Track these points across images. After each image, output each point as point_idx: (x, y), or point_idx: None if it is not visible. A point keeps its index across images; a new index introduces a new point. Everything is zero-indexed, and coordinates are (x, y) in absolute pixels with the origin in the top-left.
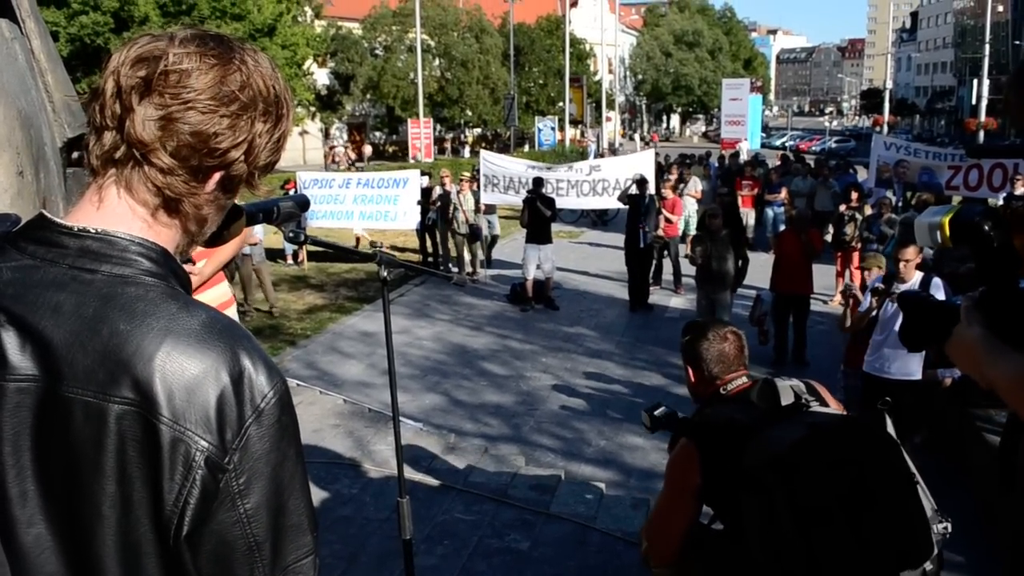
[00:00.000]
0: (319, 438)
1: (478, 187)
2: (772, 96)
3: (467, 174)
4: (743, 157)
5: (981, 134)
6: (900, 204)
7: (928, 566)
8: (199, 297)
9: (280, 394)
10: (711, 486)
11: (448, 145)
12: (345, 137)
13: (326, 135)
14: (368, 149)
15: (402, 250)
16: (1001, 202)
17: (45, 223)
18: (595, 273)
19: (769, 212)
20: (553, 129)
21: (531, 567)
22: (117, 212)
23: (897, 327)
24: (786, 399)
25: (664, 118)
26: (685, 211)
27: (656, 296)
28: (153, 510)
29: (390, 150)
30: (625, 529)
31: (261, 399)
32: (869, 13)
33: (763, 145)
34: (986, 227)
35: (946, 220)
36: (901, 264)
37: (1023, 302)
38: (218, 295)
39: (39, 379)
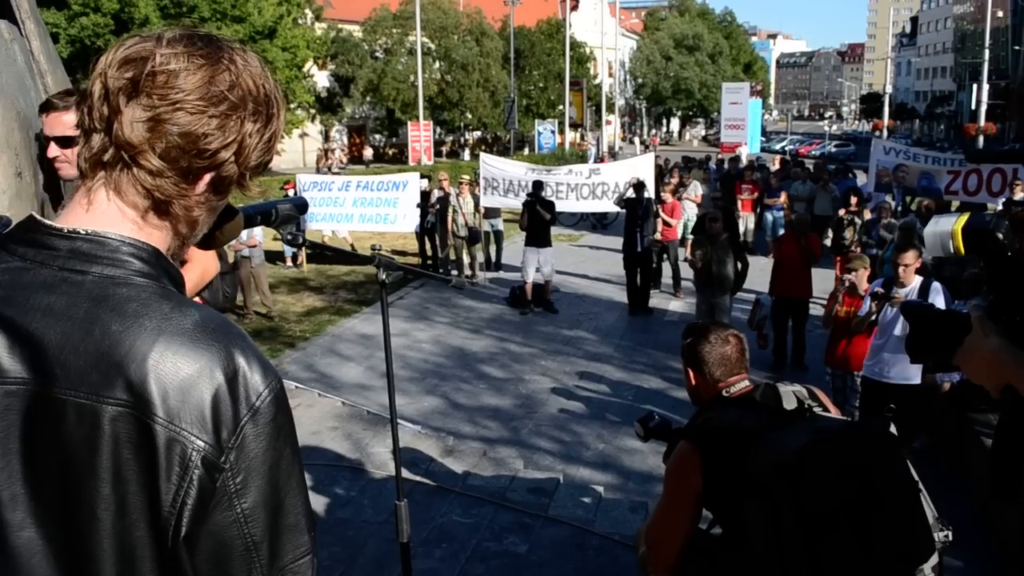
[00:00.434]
0: (318, 440)
1: (478, 190)
2: (772, 100)
3: (467, 177)
4: (743, 161)
5: (981, 139)
6: (899, 208)
7: (929, 574)
8: None
9: (275, 393)
10: (713, 491)
11: (447, 148)
12: (346, 140)
13: (326, 137)
14: (369, 151)
15: (402, 253)
16: (1000, 207)
17: (35, 225)
18: (594, 276)
19: (768, 216)
20: (553, 132)
21: (529, 570)
22: (107, 214)
23: (897, 331)
24: (789, 404)
25: (664, 122)
26: (684, 215)
27: (655, 300)
28: (149, 512)
29: (390, 153)
30: (624, 532)
31: (256, 398)
32: (869, 18)
33: (763, 149)
34: (1000, 235)
35: (958, 229)
36: (900, 268)
37: None
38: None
39: (29, 382)
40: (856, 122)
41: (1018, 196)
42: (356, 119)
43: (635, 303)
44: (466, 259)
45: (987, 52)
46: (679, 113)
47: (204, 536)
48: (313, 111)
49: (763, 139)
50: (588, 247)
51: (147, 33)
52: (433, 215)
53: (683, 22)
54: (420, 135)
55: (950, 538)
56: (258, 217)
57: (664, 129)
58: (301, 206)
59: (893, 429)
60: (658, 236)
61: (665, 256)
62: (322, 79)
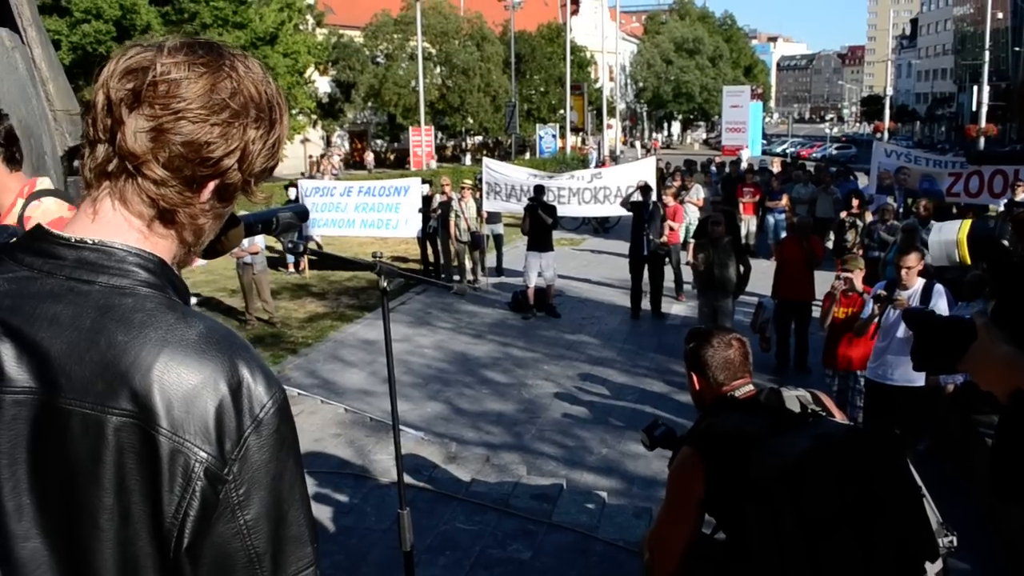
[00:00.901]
0: (320, 447)
1: (480, 195)
2: (773, 103)
3: (468, 182)
4: (744, 164)
5: (982, 140)
6: (902, 211)
7: None
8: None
9: (279, 404)
10: (715, 496)
11: (449, 152)
12: (347, 145)
13: (328, 143)
14: (371, 157)
15: (404, 259)
16: (1002, 208)
17: (42, 234)
18: (597, 280)
19: (770, 219)
20: (554, 136)
21: None
22: (113, 224)
23: (900, 334)
24: (793, 409)
25: (665, 125)
26: (686, 218)
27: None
28: (152, 522)
29: (391, 158)
30: (628, 538)
31: (260, 409)
32: (869, 20)
33: (764, 152)
34: (1005, 241)
35: (963, 238)
36: (903, 271)
37: None
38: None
39: (36, 391)
40: (857, 124)
41: (1020, 197)
42: (358, 124)
43: (639, 307)
44: (468, 264)
45: (987, 54)
46: (680, 117)
47: (207, 547)
48: (315, 117)
49: (764, 142)
50: (590, 251)
51: (148, 42)
52: (435, 220)
53: (683, 26)
54: (421, 140)
55: (954, 543)
56: (259, 225)
57: (665, 133)
58: (302, 214)
59: (896, 433)
60: (664, 239)
61: (667, 259)
62: (323, 85)
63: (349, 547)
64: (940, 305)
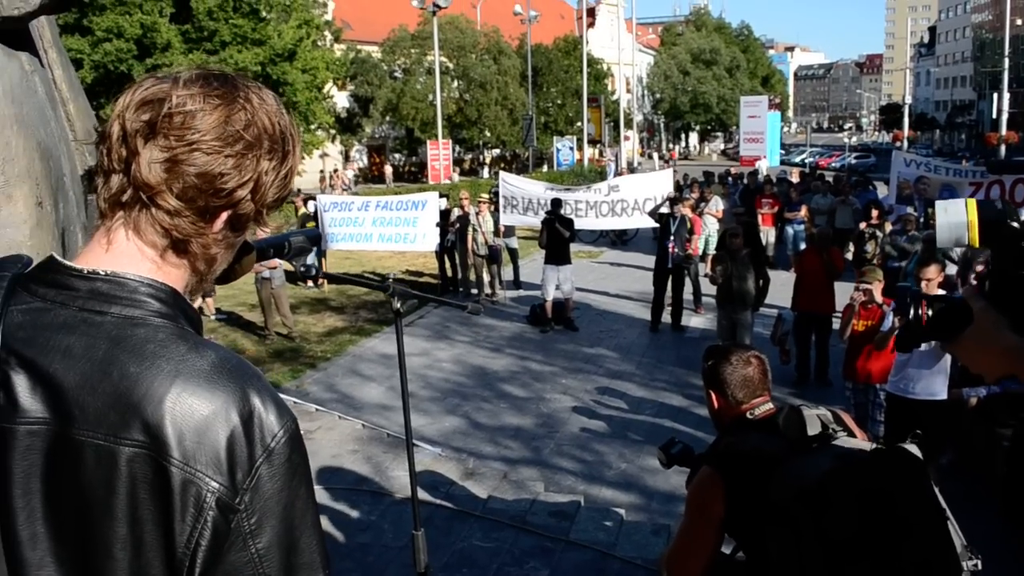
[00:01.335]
0: (338, 464)
1: (496, 208)
2: (791, 113)
3: (484, 196)
4: (761, 175)
5: (1003, 148)
6: (922, 221)
7: None
8: None
9: (290, 433)
10: (735, 517)
11: (466, 166)
12: (365, 160)
13: (346, 157)
14: (389, 170)
15: (421, 274)
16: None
17: (55, 266)
18: (615, 293)
19: (789, 230)
20: (571, 149)
21: None
22: (126, 254)
23: (922, 347)
24: (813, 429)
25: (682, 136)
26: (705, 230)
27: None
28: (165, 552)
29: (409, 171)
30: (646, 556)
31: (271, 438)
32: (887, 28)
33: (782, 162)
34: (1015, 223)
35: (974, 220)
36: (923, 283)
37: None
38: None
39: (49, 422)
40: (876, 133)
41: None
42: (376, 139)
43: (659, 319)
44: (486, 277)
45: (1007, 60)
46: (697, 127)
47: None
48: (333, 131)
49: (782, 152)
50: (608, 264)
51: (164, 74)
52: (453, 234)
53: (700, 37)
54: (439, 154)
55: (979, 567)
56: (271, 250)
57: (683, 144)
58: (313, 238)
59: (918, 452)
60: (689, 251)
61: (686, 272)
62: (342, 100)
63: (366, 564)
64: None
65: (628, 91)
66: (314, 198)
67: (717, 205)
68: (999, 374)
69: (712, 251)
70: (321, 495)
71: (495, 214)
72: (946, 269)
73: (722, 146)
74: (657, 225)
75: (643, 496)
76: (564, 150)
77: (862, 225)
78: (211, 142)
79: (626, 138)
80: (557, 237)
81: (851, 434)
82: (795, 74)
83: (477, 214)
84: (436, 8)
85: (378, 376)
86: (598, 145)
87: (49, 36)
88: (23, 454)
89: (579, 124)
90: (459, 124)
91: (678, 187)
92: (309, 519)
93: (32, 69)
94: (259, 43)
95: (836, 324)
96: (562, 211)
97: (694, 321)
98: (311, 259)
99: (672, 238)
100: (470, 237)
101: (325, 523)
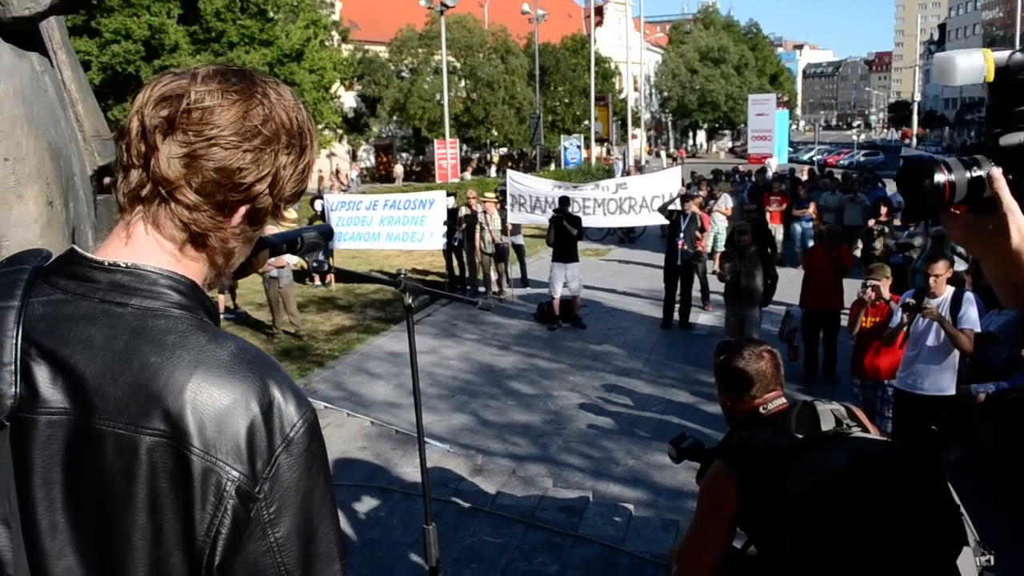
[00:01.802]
0: (346, 460)
1: (503, 207)
2: (799, 111)
3: (491, 194)
4: (770, 172)
5: None
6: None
7: None
8: None
9: (309, 423)
10: (748, 512)
11: (474, 165)
12: (373, 160)
13: (353, 157)
14: (399, 169)
15: (428, 272)
16: None
17: (76, 258)
18: (623, 291)
19: (797, 227)
20: (579, 147)
21: None
22: (146, 247)
23: (930, 342)
24: (826, 424)
25: (690, 134)
26: (714, 227)
27: None
28: (185, 541)
29: (417, 170)
30: (655, 551)
31: (291, 428)
32: (896, 26)
33: (791, 160)
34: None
35: (990, 54)
36: (932, 279)
37: None
38: None
39: (70, 412)
40: (885, 131)
41: None
42: (383, 138)
43: (671, 316)
44: (494, 276)
45: None
46: (705, 126)
47: (238, 565)
48: (340, 131)
49: (791, 149)
50: (616, 261)
51: (182, 70)
52: (461, 232)
53: (708, 35)
54: (447, 153)
55: (992, 562)
56: (284, 246)
57: (690, 142)
58: (326, 234)
59: (932, 447)
60: (700, 248)
61: (695, 269)
62: (349, 99)
63: (375, 560)
64: (970, 313)
65: (636, 89)
66: (321, 197)
67: (726, 202)
68: (993, 265)
69: (721, 248)
70: None
71: (502, 212)
72: (955, 265)
73: (730, 144)
74: (667, 222)
75: (651, 492)
76: (571, 149)
77: (871, 222)
78: (229, 137)
79: (634, 136)
80: (565, 235)
81: (864, 429)
82: (803, 72)
83: (484, 212)
84: (443, 7)
85: (386, 374)
86: (606, 144)
87: (59, 37)
88: (44, 444)
89: (587, 123)
90: (466, 123)
91: (686, 186)
92: (327, 509)
93: (42, 69)
94: (267, 43)
95: (844, 321)
96: (570, 209)
97: (702, 318)
98: (323, 255)
99: (682, 235)
100: (477, 235)
101: None
